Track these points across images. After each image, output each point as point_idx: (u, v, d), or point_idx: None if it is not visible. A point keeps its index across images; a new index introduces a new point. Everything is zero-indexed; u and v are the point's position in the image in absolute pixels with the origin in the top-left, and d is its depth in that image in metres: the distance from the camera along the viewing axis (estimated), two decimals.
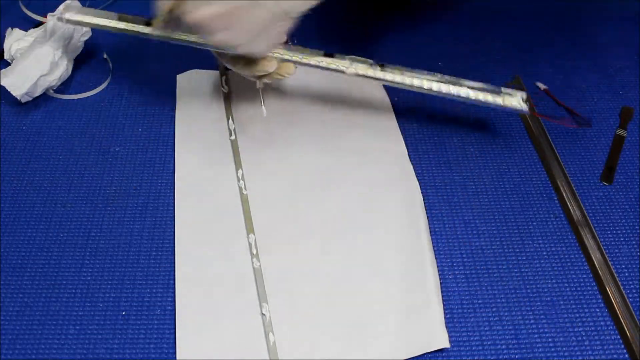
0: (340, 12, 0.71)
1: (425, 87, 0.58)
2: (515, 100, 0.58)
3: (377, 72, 0.59)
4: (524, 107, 0.58)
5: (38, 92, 0.66)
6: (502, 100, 0.58)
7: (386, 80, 0.59)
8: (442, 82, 0.58)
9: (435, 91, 0.58)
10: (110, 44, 0.74)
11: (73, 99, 0.68)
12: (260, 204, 0.58)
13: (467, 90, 0.58)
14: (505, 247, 0.56)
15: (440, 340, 0.49)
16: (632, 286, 0.54)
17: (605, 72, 0.73)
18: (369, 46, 0.75)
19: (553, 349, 0.50)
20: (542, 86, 0.65)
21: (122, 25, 0.60)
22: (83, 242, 0.56)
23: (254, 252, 0.55)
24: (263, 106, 0.59)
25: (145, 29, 0.59)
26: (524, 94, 0.58)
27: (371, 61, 0.59)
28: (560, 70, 0.72)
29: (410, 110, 0.67)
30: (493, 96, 0.58)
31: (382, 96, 0.68)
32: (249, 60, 0.56)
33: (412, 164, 0.62)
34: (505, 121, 0.67)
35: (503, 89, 0.58)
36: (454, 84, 0.58)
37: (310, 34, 0.76)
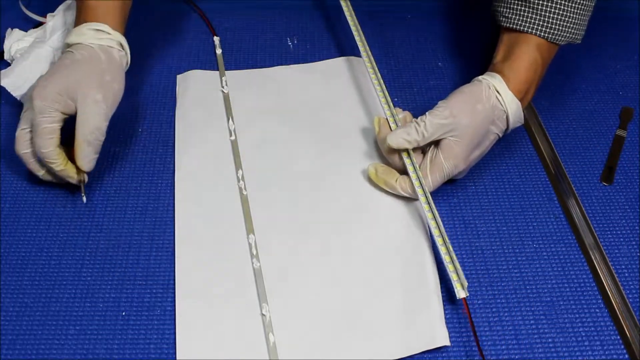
0: (338, 13, 0.71)
1: None
2: None
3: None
4: None
5: None
6: None
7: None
8: None
9: None
10: None
11: None
12: (260, 204, 0.58)
13: None
14: (505, 247, 0.56)
15: (441, 338, 0.49)
16: (632, 286, 0.54)
17: (605, 72, 0.73)
18: (369, 45, 0.75)
19: (553, 349, 0.50)
20: None
21: None
22: (83, 242, 0.56)
23: (254, 252, 0.55)
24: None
25: None
26: None
27: None
28: (560, 70, 0.72)
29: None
30: None
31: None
32: None
33: None
34: None
35: None
36: None
37: (310, 34, 0.76)
